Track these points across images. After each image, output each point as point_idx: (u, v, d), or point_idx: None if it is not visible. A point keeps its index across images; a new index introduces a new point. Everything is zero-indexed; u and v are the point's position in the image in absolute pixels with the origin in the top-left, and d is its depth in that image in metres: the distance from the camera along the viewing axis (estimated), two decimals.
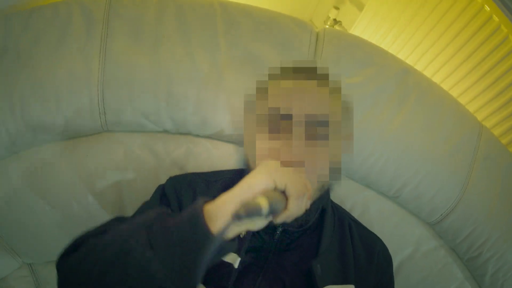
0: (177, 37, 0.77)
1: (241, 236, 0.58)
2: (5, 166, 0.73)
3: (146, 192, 0.79)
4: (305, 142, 0.58)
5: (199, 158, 0.82)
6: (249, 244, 0.62)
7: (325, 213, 0.69)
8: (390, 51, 1.23)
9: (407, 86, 0.84)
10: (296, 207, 0.50)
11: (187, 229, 0.46)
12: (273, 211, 0.47)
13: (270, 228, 0.62)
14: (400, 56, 1.23)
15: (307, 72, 0.64)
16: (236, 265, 0.59)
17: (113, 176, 0.79)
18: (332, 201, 0.77)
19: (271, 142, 0.59)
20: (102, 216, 0.81)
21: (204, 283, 0.58)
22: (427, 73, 1.18)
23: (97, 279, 0.47)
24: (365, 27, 1.33)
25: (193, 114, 0.76)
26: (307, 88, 0.61)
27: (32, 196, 0.77)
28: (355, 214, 0.88)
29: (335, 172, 0.63)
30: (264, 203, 0.45)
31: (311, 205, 0.61)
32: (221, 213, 0.47)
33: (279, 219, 0.50)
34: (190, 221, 0.47)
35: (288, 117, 0.59)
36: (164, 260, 0.45)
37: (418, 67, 1.18)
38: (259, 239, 0.63)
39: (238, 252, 0.60)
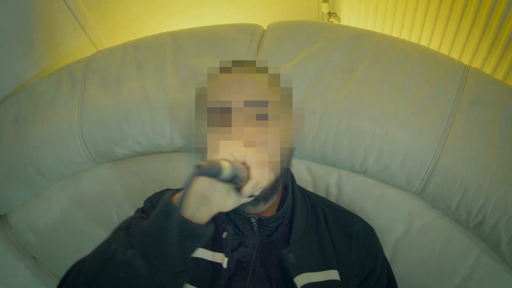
0: (134, 75, 0.91)
1: (223, 236, 0.65)
2: (30, 205, 0.96)
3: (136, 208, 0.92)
4: (250, 124, 0.59)
5: (174, 171, 0.92)
6: (233, 242, 0.65)
7: (294, 202, 0.70)
8: (382, 27, 1.16)
9: (359, 51, 0.80)
10: (259, 175, 0.50)
11: (160, 218, 0.49)
12: (236, 176, 0.47)
13: (244, 219, 0.66)
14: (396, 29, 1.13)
15: (245, 65, 0.67)
16: (225, 265, 0.61)
17: (111, 200, 0.95)
18: (303, 189, 0.78)
19: (215, 133, 0.60)
20: None
21: (195, 285, 0.61)
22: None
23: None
24: (349, 10, 1.27)
25: (153, 134, 0.87)
26: (245, 77, 0.63)
27: (59, 225, 0.97)
28: (332, 197, 0.84)
29: (286, 151, 0.63)
30: (225, 163, 0.45)
31: (274, 181, 0.62)
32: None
33: (246, 189, 0.50)
34: (160, 209, 0.49)
35: (228, 104, 0.60)
36: (145, 253, 0.48)
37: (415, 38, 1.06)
38: (240, 236, 0.66)
39: (224, 252, 0.63)
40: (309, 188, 0.85)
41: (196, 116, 0.69)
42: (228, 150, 0.50)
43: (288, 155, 0.66)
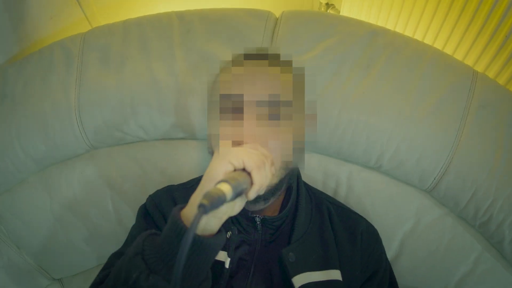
0: (138, 55, 0.85)
1: (227, 236, 0.63)
2: (17, 190, 0.88)
3: (136, 198, 0.88)
4: (256, 122, 0.58)
5: (178, 160, 0.87)
6: (236, 240, 0.64)
7: (298, 201, 0.68)
8: (385, 22, 1.16)
9: (376, 48, 0.80)
10: (261, 177, 0.49)
11: (172, 238, 0.48)
12: (239, 191, 0.47)
13: (249, 218, 0.65)
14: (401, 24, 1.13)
15: (257, 57, 0.64)
16: (227, 265, 0.61)
17: (106, 188, 0.89)
18: (308, 186, 0.76)
19: (226, 127, 0.60)
20: (106, 226, 0.91)
21: None
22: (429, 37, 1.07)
23: None
24: (351, 4, 1.27)
25: (159, 120, 0.83)
26: (257, 71, 0.62)
27: (49, 214, 0.90)
28: (342, 192, 0.84)
29: (297, 151, 0.62)
30: (226, 188, 0.44)
31: (277, 182, 0.61)
32: (193, 212, 0.50)
33: (251, 194, 0.49)
34: (171, 229, 0.49)
35: (240, 98, 0.59)
36: (166, 276, 0.48)
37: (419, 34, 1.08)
38: (244, 235, 0.65)
39: (227, 251, 0.62)
40: (319, 182, 0.85)
41: (208, 105, 0.67)
42: (225, 158, 0.49)
43: (297, 156, 0.64)
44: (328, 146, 0.79)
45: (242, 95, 0.59)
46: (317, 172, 0.84)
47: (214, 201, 0.42)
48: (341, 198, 0.84)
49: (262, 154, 0.52)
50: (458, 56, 0.98)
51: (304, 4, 1.49)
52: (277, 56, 0.65)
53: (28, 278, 0.94)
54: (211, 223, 0.50)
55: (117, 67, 0.84)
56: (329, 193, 0.84)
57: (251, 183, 0.49)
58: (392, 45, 0.80)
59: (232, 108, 0.59)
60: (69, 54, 0.87)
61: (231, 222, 0.65)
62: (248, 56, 0.65)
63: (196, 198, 0.51)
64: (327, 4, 1.44)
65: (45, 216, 0.90)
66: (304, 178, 0.78)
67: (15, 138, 0.82)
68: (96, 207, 0.90)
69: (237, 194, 0.46)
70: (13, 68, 0.88)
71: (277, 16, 0.88)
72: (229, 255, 0.62)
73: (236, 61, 0.64)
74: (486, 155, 0.73)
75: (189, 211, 0.50)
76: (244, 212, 0.62)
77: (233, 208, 0.52)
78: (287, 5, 1.47)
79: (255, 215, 0.64)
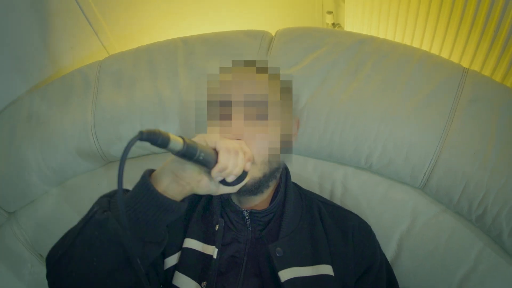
0: (147, 77, 0.94)
1: (216, 229, 0.67)
2: (40, 201, 0.97)
3: None
4: (243, 122, 0.62)
5: None
6: (226, 236, 0.66)
7: (286, 198, 0.71)
8: (385, 34, 1.22)
9: (363, 55, 0.85)
10: (226, 160, 0.53)
11: (137, 191, 0.54)
12: (193, 156, 0.49)
13: (237, 211, 0.68)
14: (404, 36, 1.18)
15: (245, 64, 0.69)
16: (215, 256, 0.63)
17: None
18: (299, 187, 0.79)
19: (214, 128, 0.64)
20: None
21: (187, 275, 0.64)
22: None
23: (71, 245, 0.56)
24: (353, 20, 1.33)
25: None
26: (244, 74, 0.66)
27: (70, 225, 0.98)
28: (338, 194, 0.87)
29: (283, 150, 0.66)
30: (176, 138, 0.46)
31: (262, 177, 0.64)
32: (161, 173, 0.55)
33: (213, 172, 0.52)
34: (138, 185, 0.55)
35: (228, 97, 0.63)
36: (117, 217, 0.53)
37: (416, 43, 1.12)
38: (235, 231, 0.67)
39: (215, 244, 0.65)
40: (316, 185, 0.88)
41: (208, 113, 0.70)
42: (203, 137, 0.54)
43: (283, 154, 0.67)
44: (320, 150, 0.83)
45: (230, 95, 0.63)
46: (313, 175, 0.88)
47: (154, 135, 0.44)
48: (337, 200, 0.87)
49: (241, 147, 0.56)
50: (454, 59, 1.01)
51: (311, 25, 1.58)
52: (265, 67, 0.69)
53: None
54: (173, 188, 0.54)
55: (128, 88, 0.94)
56: (326, 195, 0.87)
57: (216, 162, 0.52)
58: (379, 51, 0.85)
59: (220, 108, 0.64)
60: (87, 79, 0.99)
61: (219, 215, 0.68)
62: (236, 63, 0.69)
63: (168, 162, 0.55)
64: (333, 24, 1.52)
65: (67, 226, 0.97)
66: (301, 181, 0.82)
67: (39, 153, 0.92)
68: None
69: (190, 157, 0.49)
70: (39, 92, 1.00)
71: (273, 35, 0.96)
72: (217, 247, 0.64)
73: (224, 69, 0.68)
74: (476, 148, 0.73)
75: (159, 172, 0.55)
76: (233, 205, 0.68)
77: (198, 183, 0.54)
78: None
79: (243, 209, 0.67)
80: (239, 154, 0.55)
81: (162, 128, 0.89)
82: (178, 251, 0.67)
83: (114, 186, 0.96)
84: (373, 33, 1.29)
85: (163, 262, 0.67)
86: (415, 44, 1.15)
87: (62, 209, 0.97)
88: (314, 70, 0.85)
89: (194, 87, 0.91)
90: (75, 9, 1.05)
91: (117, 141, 0.93)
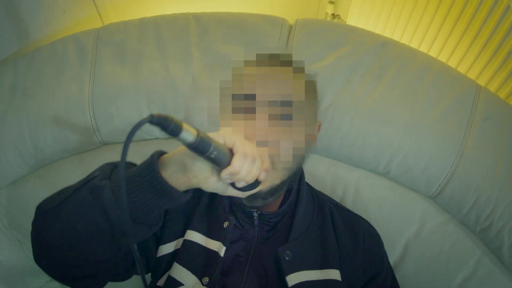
0: (155, 54, 0.86)
1: (224, 226, 0.63)
2: (23, 183, 0.86)
3: None
4: (268, 122, 0.58)
5: None
6: (233, 234, 0.64)
7: (298, 199, 0.69)
8: (391, 33, 1.21)
9: (386, 59, 0.83)
10: (240, 165, 0.49)
11: (142, 168, 0.49)
12: (206, 152, 0.45)
13: (246, 212, 0.65)
14: (407, 36, 1.19)
15: (270, 59, 0.65)
16: (221, 254, 0.61)
17: None
18: (311, 187, 0.78)
19: (238, 127, 0.59)
20: None
21: (187, 268, 0.61)
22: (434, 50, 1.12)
23: (63, 201, 0.53)
24: (358, 15, 1.32)
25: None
26: (269, 72, 0.62)
27: None
28: (349, 197, 0.86)
29: (299, 152, 0.63)
30: (189, 127, 0.42)
31: (279, 183, 0.61)
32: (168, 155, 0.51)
33: (223, 173, 0.49)
34: (145, 162, 0.50)
35: (252, 97, 0.59)
36: (114, 188, 0.49)
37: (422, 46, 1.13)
38: (241, 229, 0.65)
39: (223, 241, 0.62)
40: (327, 186, 0.87)
41: (220, 104, 0.66)
42: (223, 133, 0.49)
43: (298, 161, 0.65)
44: (339, 151, 0.82)
45: (254, 95, 0.59)
46: (326, 176, 0.87)
47: (166, 121, 0.41)
48: (348, 202, 0.87)
49: (260, 155, 0.51)
50: (462, 69, 1.04)
51: (309, 14, 1.53)
52: (289, 61, 0.65)
53: (26, 276, 0.91)
54: (177, 177, 0.50)
55: (133, 64, 0.85)
56: (337, 197, 0.87)
57: (228, 164, 0.48)
58: (401, 57, 0.84)
59: (244, 108, 0.60)
60: (82, 48, 0.87)
61: (229, 212, 0.66)
62: (260, 57, 0.65)
63: (181, 149, 0.50)
64: (333, 14, 1.49)
65: None
66: (313, 181, 0.80)
67: (25, 130, 0.81)
68: None
69: (202, 152, 0.45)
70: (24, 59, 0.86)
71: (291, 24, 0.91)
72: (224, 245, 0.62)
73: (249, 62, 0.64)
74: (489, 165, 0.77)
75: (168, 156, 0.51)
76: (242, 205, 0.65)
77: (206, 179, 0.50)
78: (293, 14, 1.51)
79: (253, 210, 0.65)
80: (256, 161, 0.51)
81: (172, 114, 0.83)
82: (175, 239, 0.65)
83: None
84: (378, 30, 1.29)
85: (156, 249, 0.65)
86: (423, 48, 1.17)
87: (46, 194, 0.87)
88: (339, 69, 0.82)
89: (208, 72, 0.84)
90: None
91: (117, 121, 0.84)
